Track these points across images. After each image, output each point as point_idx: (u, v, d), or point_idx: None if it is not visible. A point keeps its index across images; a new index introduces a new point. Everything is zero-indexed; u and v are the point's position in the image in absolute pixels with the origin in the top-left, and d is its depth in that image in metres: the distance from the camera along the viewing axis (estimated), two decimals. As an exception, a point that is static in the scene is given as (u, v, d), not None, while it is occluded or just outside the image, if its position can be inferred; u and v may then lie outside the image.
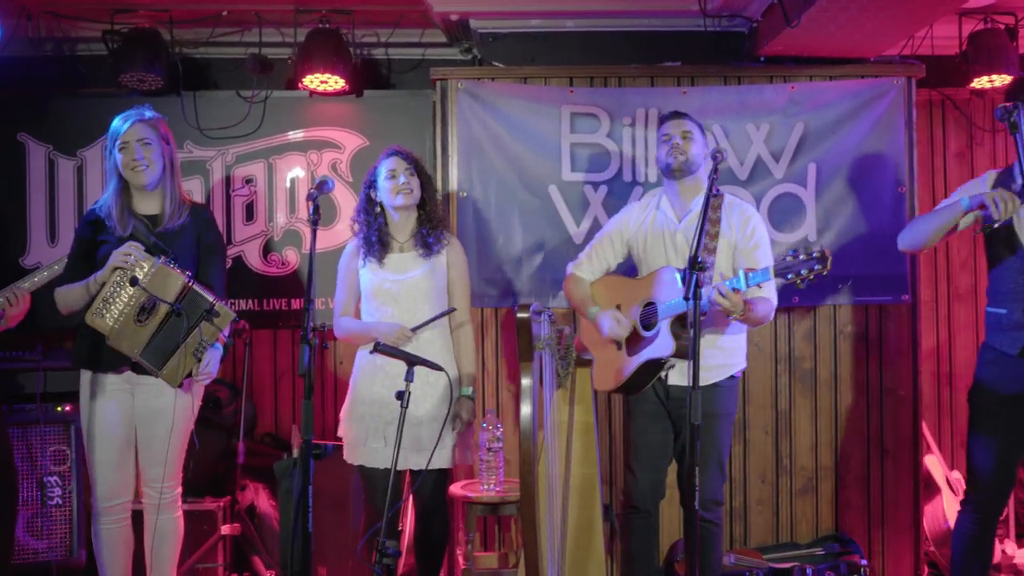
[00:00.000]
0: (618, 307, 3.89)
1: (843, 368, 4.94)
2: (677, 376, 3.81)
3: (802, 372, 4.94)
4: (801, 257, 3.33)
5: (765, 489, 4.92)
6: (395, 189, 3.94)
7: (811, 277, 3.32)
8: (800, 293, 4.83)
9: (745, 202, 4.04)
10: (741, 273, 3.43)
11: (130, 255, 3.55)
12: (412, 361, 3.32)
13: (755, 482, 4.92)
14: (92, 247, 3.73)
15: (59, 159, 4.97)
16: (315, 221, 3.24)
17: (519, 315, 2.91)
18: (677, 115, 3.93)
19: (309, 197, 3.29)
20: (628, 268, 4.10)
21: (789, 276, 3.35)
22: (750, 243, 3.82)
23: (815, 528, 4.91)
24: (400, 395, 3.26)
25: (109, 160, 3.75)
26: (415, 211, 4.03)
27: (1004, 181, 3.72)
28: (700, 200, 3.80)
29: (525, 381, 2.88)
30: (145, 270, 3.54)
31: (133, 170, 3.69)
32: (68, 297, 3.72)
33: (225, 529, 4.59)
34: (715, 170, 3.37)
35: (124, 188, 3.74)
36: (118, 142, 3.69)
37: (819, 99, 4.85)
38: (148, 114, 3.77)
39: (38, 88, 4.99)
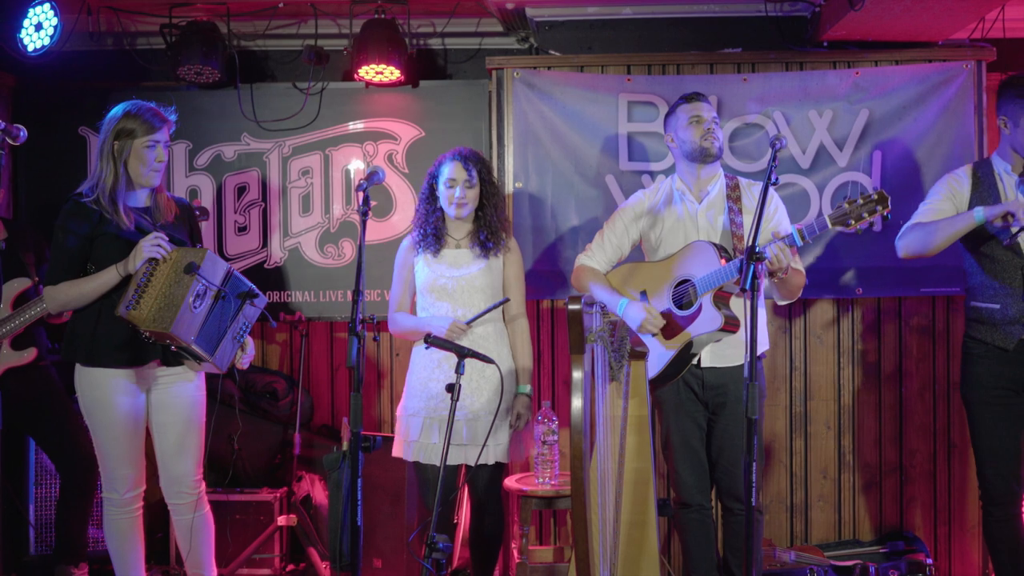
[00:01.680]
0: (644, 292, 3.80)
1: (908, 361, 4.82)
2: (710, 358, 3.74)
3: (866, 365, 4.82)
4: (859, 201, 3.27)
5: (827, 485, 4.81)
6: (450, 199, 3.93)
7: (871, 220, 3.28)
8: (864, 284, 4.75)
9: (759, 182, 3.98)
10: (793, 229, 3.42)
11: (160, 245, 3.51)
12: (463, 353, 3.29)
13: (817, 478, 4.81)
14: (92, 239, 3.58)
15: (119, 152, 5.00)
16: (364, 212, 3.21)
17: (570, 307, 2.85)
18: (701, 96, 3.89)
19: (359, 188, 3.26)
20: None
21: (850, 223, 3.30)
22: (775, 217, 3.80)
23: (879, 526, 4.81)
24: (451, 387, 3.23)
25: (108, 147, 3.60)
26: (473, 214, 4.00)
27: (985, 175, 3.79)
28: (717, 185, 3.86)
29: (576, 375, 2.82)
30: (176, 257, 3.51)
31: (155, 171, 3.63)
32: (71, 293, 3.56)
33: (281, 520, 4.61)
34: (774, 158, 3.23)
35: (127, 182, 3.62)
36: (147, 139, 3.58)
37: (884, 85, 4.72)
38: (174, 116, 3.73)
39: (99, 82, 5.04)
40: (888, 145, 4.72)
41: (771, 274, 3.51)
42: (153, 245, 3.50)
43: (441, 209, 3.99)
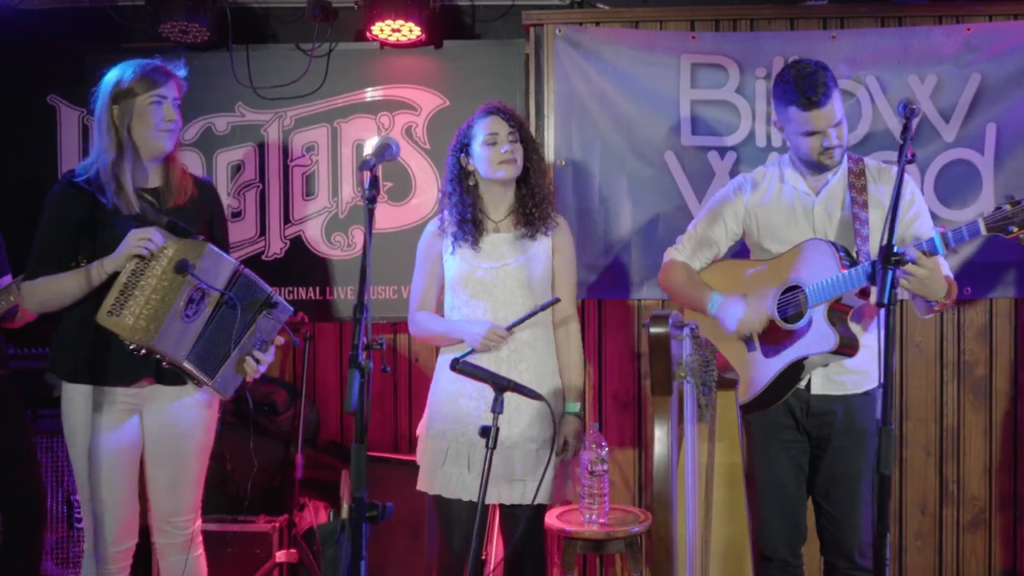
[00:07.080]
0: (743, 297, 3.26)
1: (1026, 375, 4.33)
2: (822, 383, 3.17)
3: (974, 380, 4.34)
4: (1023, 204, 2.69)
5: (926, 522, 4.36)
6: (495, 159, 3.34)
7: None
8: (973, 283, 4.25)
9: (892, 165, 3.36)
10: (936, 234, 2.79)
11: (149, 239, 2.95)
12: (501, 386, 2.58)
13: (913, 513, 4.37)
14: (85, 228, 3.08)
15: (94, 125, 4.47)
16: (372, 198, 2.41)
17: (653, 330, 2.14)
18: (825, 94, 3.03)
19: (364, 165, 2.50)
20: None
21: (1011, 230, 2.69)
22: (909, 212, 3.17)
23: (987, 569, 4.37)
24: (486, 431, 2.52)
25: (107, 116, 3.09)
26: (514, 184, 3.44)
27: None
28: (839, 171, 3.23)
29: (659, 432, 2.10)
30: (170, 254, 2.94)
31: (164, 131, 3.12)
32: (50, 290, 3.08)
33: (280, 555, 4.08)
34: (907, 127, 2.59)
35: (133, 154, 3.11)
36: (151, 95, 3.09)
37: (1001, 44, 4.22)
38: (183, 71, 3.23)
39: (72, 44, 4.54)
40: (1005, 117, 4.22)
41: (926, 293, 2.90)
42: (140, 240, 2.96)
43: (476, 188, 3.45)
